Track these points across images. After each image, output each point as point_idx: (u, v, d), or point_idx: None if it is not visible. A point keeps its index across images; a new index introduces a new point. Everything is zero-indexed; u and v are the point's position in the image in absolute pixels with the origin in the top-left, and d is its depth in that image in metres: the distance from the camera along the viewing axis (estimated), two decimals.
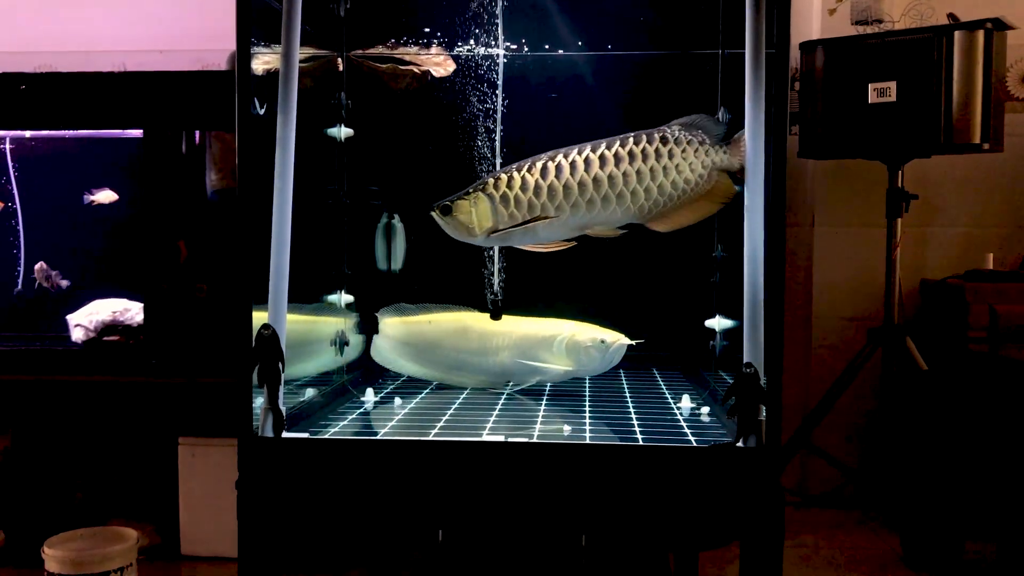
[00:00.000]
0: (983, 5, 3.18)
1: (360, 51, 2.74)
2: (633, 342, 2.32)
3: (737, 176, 2.08)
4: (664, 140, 2.07)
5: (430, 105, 2.74)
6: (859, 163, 3.37)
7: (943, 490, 2.86)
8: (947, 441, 2.89)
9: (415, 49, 2.70)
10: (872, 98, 3.04)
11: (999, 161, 3.41)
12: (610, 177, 2.09)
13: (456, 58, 2.68)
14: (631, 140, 2.10)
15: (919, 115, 2.97)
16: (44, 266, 3.28)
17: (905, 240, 3.25)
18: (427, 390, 2.51)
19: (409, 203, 2.77)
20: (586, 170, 2.10)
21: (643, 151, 2.07)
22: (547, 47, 2.70)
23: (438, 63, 2.67)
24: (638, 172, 2.07)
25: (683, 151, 2.06)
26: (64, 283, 3.29)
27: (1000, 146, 3.05)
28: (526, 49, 2.67)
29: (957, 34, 2.94)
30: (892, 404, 3.32)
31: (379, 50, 2.74)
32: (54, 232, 3.35)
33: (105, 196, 3.21)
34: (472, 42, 2.60)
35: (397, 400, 2.34)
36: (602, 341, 2.31)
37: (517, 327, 2.42)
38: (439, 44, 2.68)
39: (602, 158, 2.09)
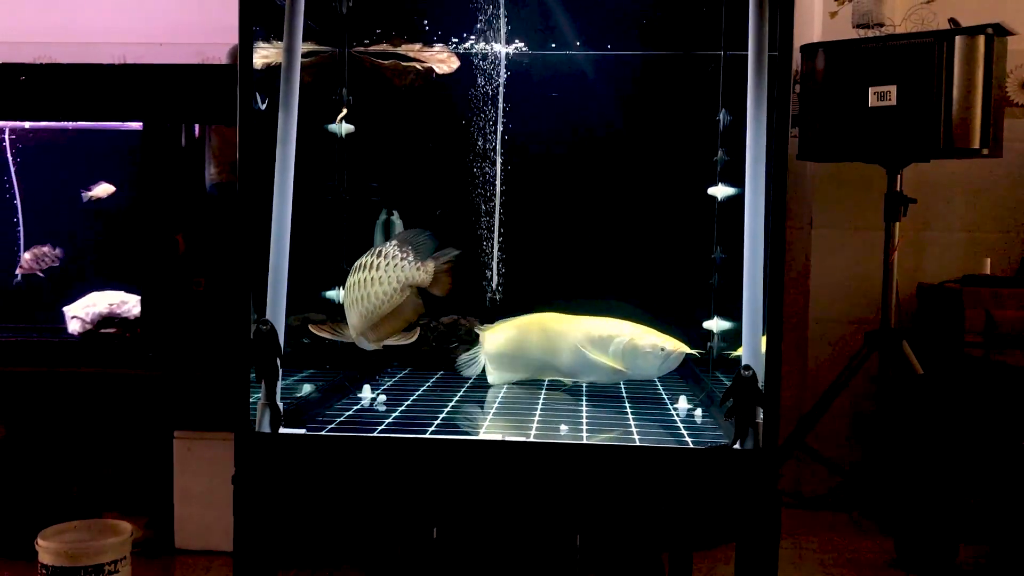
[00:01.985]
0: (984, 10, 3.19)
1: (362, 48, 2.74)
2: (695, 352, 2.32)
3: (430, 291, 2.18)
4: (380, 253, 2.17)
5: (431, 102, 2.74)
6: (858, 166, 3.37)
7: (937, 493, 2.87)
8: (942, 445, 2.89)
9: (417, 46, 2.70)
10: (872, 101, 3.04)
11: (998, 166, 3.42)
12: (345, 286, 2.25)
13: (458, 55, 2.68)
14: (367, 253, 2.23)
15: (919, 119, 2.97)
16: (31, 255, 3.26)
17: (903, 244, 3.26)
18: (423, 388, 2.51)
19: (408, 200, 2.77)
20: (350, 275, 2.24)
21: (360, 264, 2.20)
22: (549, 46, 2.70)
23: (441, 60, 2.67)
24: (354, 282, 2.20)
25: (386, 265, 2.16)
26: (57, 252, 3.28)
27: (999, 151, 3.06)
28: (528, 48, 2.67)
29: (958, 39, 2.94)
30: (888, 407, 3.33)
31: (382, 47, 2.73)
32: (52, 223, 3.34)
33: (102, 190, 3.20)
34: (474, 40, 2.60)
35: (381, 398, 2.34)
36: (662, 348, 2.31)
37: (579, 326, 2.40)
38: (441, 41, 2.68)
39: (351, 268, 2.25)
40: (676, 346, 2.32)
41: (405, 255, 2.15)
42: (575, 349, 2.38)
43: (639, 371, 2.35)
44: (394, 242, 2.18)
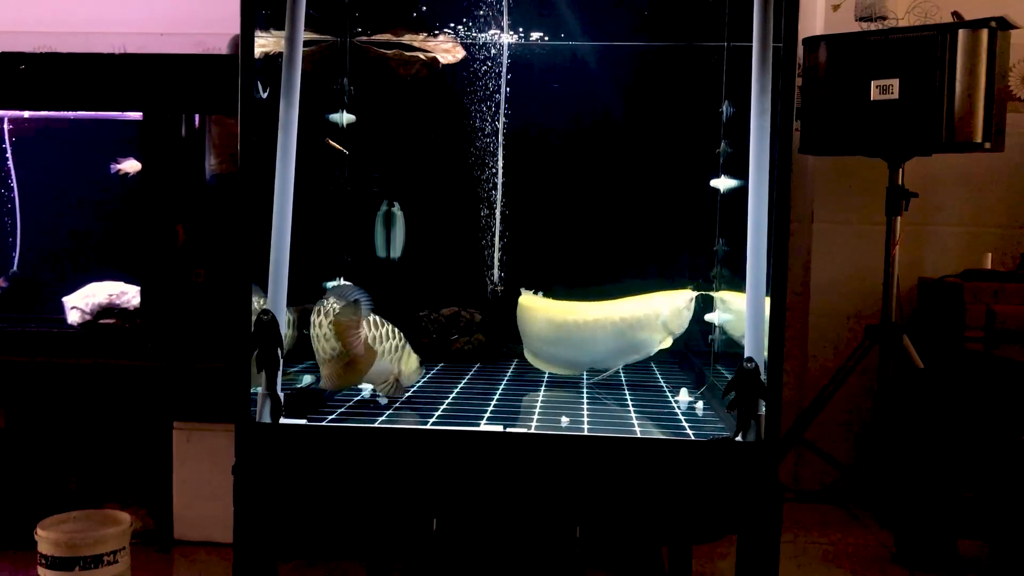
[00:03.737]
0: (987, 4, 3.17)
1: (365, 37, 2.72)
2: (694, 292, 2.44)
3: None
4: (319, 312, 2.17)
5: (436, 92, 2.73)
6: (859, 160, 3.36)
7: (937, 488, 2.87)
8: (942, 439, 2.89)
9: (422, 36, 2.69)
10: (874, 95, 3.03)
11: (1000, 161, 3.41)
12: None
13: (464, 45, 2.67)
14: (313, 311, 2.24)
15: (921, 113, 2.96)
16: None
17: (904, 238, 3.25)
18: (425, 379, 2.51)
19: (410, 190, 2.76)
20: None
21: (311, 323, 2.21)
22: (555, 36, 2.69)
23: (446, 50, 2.66)
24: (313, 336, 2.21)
25: (328, 323, 2.16)
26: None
27: (1001, 146, 3.05)
28: (533, 38, 2.66)
29: (961, 32, 2.93)
30: (888, 402, 3.33)
31: (385, 36, 2.72)
32: (51, 213, 3.34)
33: (130, 165, 3.19)
34: (479, 30, 2.59)
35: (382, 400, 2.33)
36: (689, 298, 2.42)
37: (613, 313, 2.43)
38: (446, 31, 2.67)
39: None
40: (686, 291, 2.43)
41: (334, 311, 2.14)
42: (615, 338, 2.40)
43: (683, 327, 2.43)
44: (331, 299, 2.16)
